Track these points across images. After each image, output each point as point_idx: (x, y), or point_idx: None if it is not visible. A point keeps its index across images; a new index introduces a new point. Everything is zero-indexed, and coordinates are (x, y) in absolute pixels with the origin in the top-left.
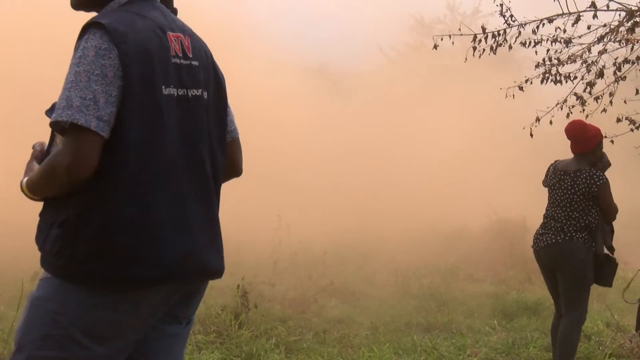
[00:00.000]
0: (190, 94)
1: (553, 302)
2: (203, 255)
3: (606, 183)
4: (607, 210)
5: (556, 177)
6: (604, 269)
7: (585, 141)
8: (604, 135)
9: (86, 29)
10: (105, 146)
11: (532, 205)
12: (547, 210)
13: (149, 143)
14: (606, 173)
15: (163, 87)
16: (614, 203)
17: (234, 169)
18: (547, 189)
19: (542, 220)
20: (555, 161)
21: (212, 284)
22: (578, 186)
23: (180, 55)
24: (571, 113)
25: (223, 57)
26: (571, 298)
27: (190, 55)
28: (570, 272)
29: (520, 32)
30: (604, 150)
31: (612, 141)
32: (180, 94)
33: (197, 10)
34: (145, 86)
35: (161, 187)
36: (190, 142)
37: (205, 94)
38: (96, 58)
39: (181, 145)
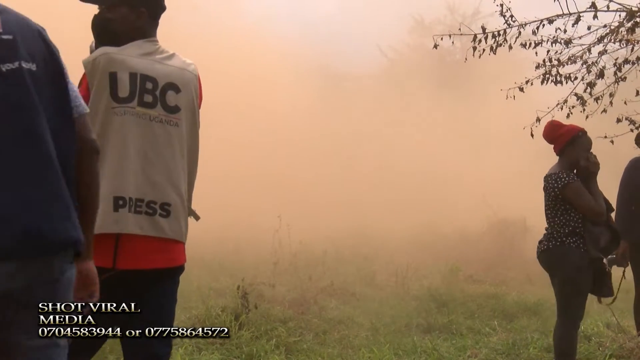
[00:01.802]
0: (3, 68)
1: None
2: (38, 220)
3: (569, 184)
4: (584, 212)
5: (543, 182)
6: (601, 277)
7: (554, 140)
8: (603, 135)
9: None
10: None
11: (532, 205)
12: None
13: None
14: (605, 174)
15: None
16: (590, 203)
17: (85, 145)
18: None
19: None
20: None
21: (211, 284)
22: (547, 190)
23: None
24: (571, 113)
25: (224, 58)
26: (564, 304)
27: (0, 30)
28: (564, 278)
29: (520, 33)
30: (599, 152)
31: (612, 141)
32: None
33: (198, 11)
34: None
35: None
36: (19, 117)
37: (32, 66)
38: None
39: (6, 119)
